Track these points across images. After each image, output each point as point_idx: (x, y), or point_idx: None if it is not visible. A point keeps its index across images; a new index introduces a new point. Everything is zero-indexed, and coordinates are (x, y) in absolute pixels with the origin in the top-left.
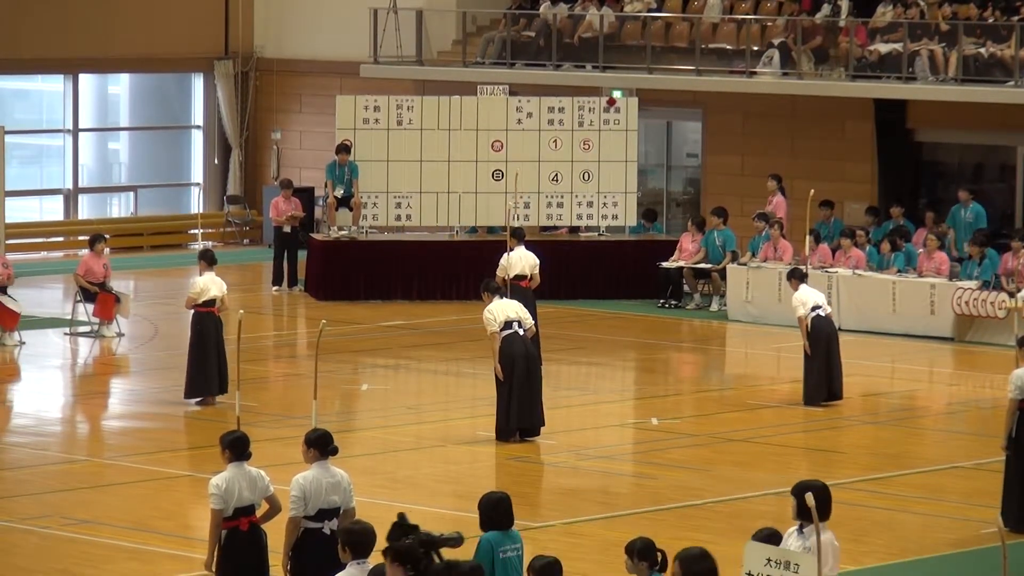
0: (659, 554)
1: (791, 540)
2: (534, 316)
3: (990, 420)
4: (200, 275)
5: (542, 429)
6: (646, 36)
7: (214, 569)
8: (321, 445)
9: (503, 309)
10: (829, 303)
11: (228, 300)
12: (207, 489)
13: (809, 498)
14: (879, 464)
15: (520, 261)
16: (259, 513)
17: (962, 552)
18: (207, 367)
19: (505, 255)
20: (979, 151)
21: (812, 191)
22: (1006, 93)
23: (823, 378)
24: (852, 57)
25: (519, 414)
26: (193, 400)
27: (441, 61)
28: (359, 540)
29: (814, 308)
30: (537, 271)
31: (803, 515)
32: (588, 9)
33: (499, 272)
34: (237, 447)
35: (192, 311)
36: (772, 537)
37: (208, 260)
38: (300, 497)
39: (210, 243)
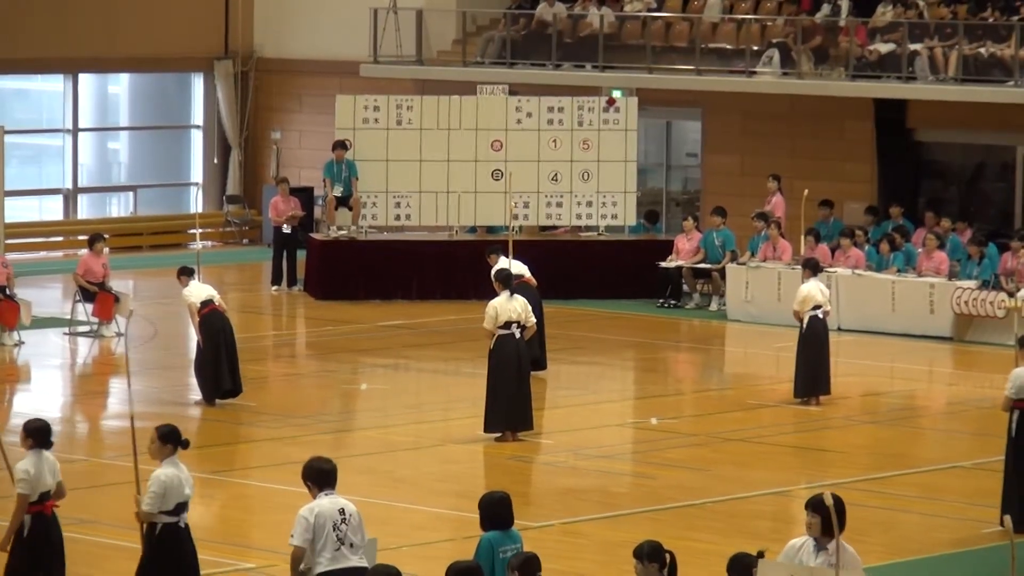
0: (667, 555)
1: (804, 556)
2: (540, 313)
3: (989, 419)
4: (186, 286)
5: (536, 430)
6: (646, 36)
7: (11, 553)
8: (175, 440)
9: (507, 309)
10: (829, 301)
11: (223, 302)
12: (17, 474)
13: (828, 497)
14: (878, 464)
15: (513, 265)
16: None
17: (962, 552)
18: (219, 367)
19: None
20: (979, 151)
21: (806, 191)
22: (1006, 93)
23: (812, 374)
24: (852, 57)
25: (507, 415)
26: (195, 399)
27: (441, 61)
28: (317, 471)
29: (815, 308)
30: (529, 274)
31: (827, 531)
32: (588, 9)
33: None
34: (42, 435)
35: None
36: (747, 558)
37: (187, 273)
38: (160, 494)
39: (209, 243)
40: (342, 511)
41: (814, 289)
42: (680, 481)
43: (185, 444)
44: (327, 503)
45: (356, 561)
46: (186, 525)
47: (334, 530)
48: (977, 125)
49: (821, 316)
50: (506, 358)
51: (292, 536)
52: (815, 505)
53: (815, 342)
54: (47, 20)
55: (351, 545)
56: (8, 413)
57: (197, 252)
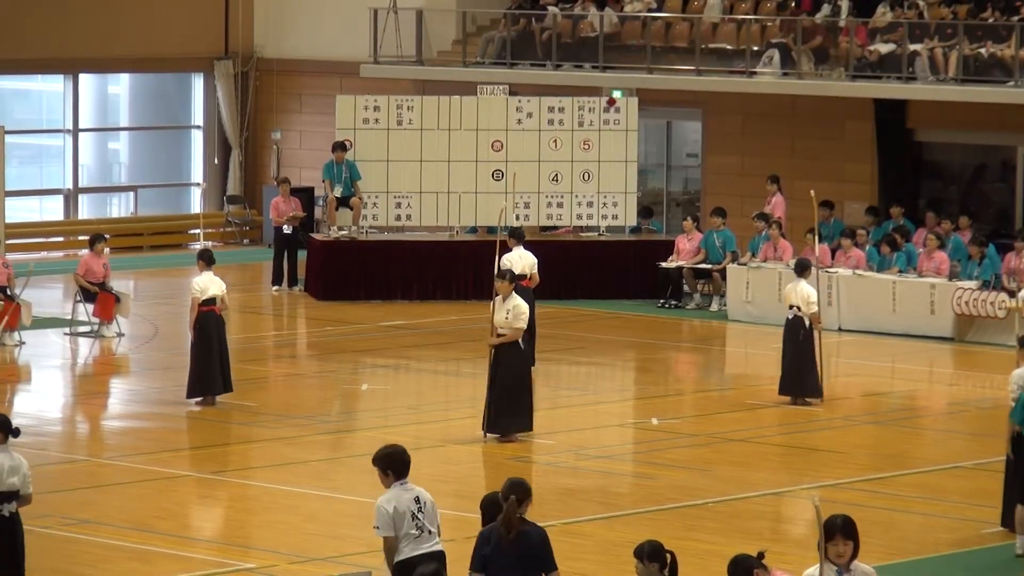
0: (668, 555)
1: None
2: (532, 315)
3: (990, 420)
4: (199, 274)
5: (536, 430)
6: (646, 36)
7: None
8: (6, 428)
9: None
10: (818, 302)
11: (227, 299)
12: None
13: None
14: (879, 464)
15: (519, 261)
16: None
17: (962, 552)
18: (210, 367)
19: (506, 256)
20: (979, 151)
21: (812, 191)
22: (1006, 93)
23: (788, 374)
24: (852, 57)
25: (507, 415)
26: (194, 400)
27: (441, 61)
28: (398, 460)
29: (790, 307)
30: (536, 270)
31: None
32: (588, 9)
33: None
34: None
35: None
36: (748, 560)
37: (207, 259)
38: None
39: (210, 243)
40: (417, 499)
41: (788, 289)
42: (680, 481)
43: (16, 432)
44: (403, 493)
45: (435, 546)
46: (11, 515)
47: (412, 519)
48: (977, 125)
49: (791, 317)
50: (504, 358)
51: (377, 528)
52: (844, 530)
53: (786, 341)
54: (47, 20)
55: (428, 532)
56: (9, 413)
57: (197, 252)
